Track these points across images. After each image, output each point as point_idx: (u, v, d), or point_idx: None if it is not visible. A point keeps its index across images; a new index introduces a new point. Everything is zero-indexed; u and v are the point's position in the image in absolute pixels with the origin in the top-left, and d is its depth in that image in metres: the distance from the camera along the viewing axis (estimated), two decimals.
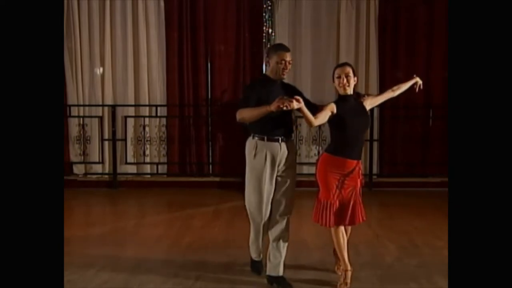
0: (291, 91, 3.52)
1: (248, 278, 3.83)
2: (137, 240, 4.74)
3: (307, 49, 7.20)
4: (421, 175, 7.29)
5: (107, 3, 7.11)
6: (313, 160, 7.25)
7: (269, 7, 6.72)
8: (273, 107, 3.26)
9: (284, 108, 3.20)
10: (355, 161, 3.55)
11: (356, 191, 3.60)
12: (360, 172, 3.61)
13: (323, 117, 3.48)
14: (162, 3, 7.18)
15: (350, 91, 3.56)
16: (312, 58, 7.20)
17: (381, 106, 7.17)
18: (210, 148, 7.37)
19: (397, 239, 4.74)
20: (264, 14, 6.74)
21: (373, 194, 6.96)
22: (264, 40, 6.76)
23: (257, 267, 3.91)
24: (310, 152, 7.33)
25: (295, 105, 3.20)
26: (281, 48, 3.59)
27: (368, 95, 3.94)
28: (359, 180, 3.60)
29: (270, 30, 6.76)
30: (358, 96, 3.69)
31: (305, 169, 7.33)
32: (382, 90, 7.20)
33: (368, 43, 7.18)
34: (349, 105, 3.56)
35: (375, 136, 7.20)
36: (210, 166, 7.45)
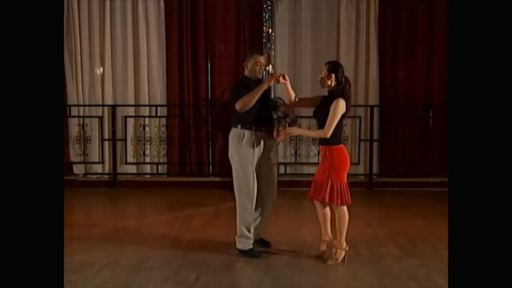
0: (267, 88, 4.14)
1: (248, 278, 3.84)
2: (137, 240, 4.74)
3: (307, 49, 7.21)
4: (421, 175, 7.29)
5: (107, 3, 7.11)
6: (313, 160, 7.26)
7: (269, 7, 6.72)
8: (267, 82, 4.02)
9: (277, 82, 4.03)
10: (321, 146, 4.02)
11: (329, 174, 3.92)
12: (328, 157, 3.92)
13: (307, 99, 4.29)
14: (162, 3, 7.18)
15: (325, 85, 3.99)
16: (312, 58, 7.19)
17: (381, 106, 7.24)
18: (210, 148, 7.37)
19: (397, 239, 4.74)
20: (264, 14, 6.73)
21: (373, 194, 6.96)
22: (264, 40, 6.76)
23: (256, 252, 4.18)
24: (310, 152, 7.32)
25: (281, 79, 4.02)
26: (256, 52, 4.28)
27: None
28: (328, 164, 3.94)
29: (270, 30, 6.75)
30: (332, 94, 3.97)
31: (305, 169, 7.33)
32: (382, 90, 7.26)
33: (368, 43, 7.18)
34: (324, 98, 4.03)
35: (375, 136, 7.20)
36: (210, 166, 7.45)
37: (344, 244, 4.01)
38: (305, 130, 4.17)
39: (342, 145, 3.98)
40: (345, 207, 3.97)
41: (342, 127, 4.03)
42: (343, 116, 3.89)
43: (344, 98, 3.86)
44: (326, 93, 4.09)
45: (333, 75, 3.91)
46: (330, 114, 3.81)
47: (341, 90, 3.91)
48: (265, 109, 4.12)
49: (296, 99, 4.16)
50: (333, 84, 3.93)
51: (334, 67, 3.98)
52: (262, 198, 4.23)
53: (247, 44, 7.17)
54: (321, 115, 3.94)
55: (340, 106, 3.82)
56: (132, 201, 6.63)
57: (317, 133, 4.03)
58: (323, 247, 4.18)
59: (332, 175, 3.91)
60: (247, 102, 3.97)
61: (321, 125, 3.90)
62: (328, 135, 3.83)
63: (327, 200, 3.94)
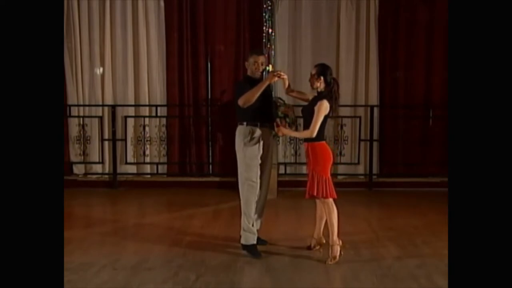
0: (267, 86, 4.26)
1: (248, 278, 3.84)
2: (137, 240, 4.74)
3: (307, 49, 7.20)
4: (421, 175, 7.28)
5: (107, 3, 7.11)
6: None
7: (269, 7, 6.71)
8: (268, 79, 4.16)
9: (277, 78, 4.18)
10: (305, 143, 4.16)
11: (313, 169, 4.07)
12: (311, 153, 4.08)
13: (304, 93, 4.40)
14: (162, 3, 7.18)
15: (313, 86, 4.11)
16: (312, 58, 7.17)
17: (381, 106, 7.24)
18: (210, 148, 7.37)
19: (397, 239, 4.74)
20: (264, 14, 6.73)
21: (373, 194, 6.96)
22: (264, 40, 6.75)
23: (257, 250, 4.21)
24: None
25: (281, 74, 4.22)
26: (255, 52, 4.39)
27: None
28: (311, 160, 4.10)
29: (270, 30, 6.75)
30: (319, 95, 4.10)
31: (305, 169, 7.31)
32: (382, 89, 7.26)
33: (368, 43, 7.18)
34: (313, 98, 4.15)
35: (375, 136, 7.20)
36: (210, 166, 7.45)
37: (337, 239, 4.10)
38: (293, 132, 4.48)
39: (324, 141, 4.13)
40: (331, 201, 4.09)
41: (325, 126, 4.14)
42: (327, 116, 4.05)
43: (330, 99, 4.03)
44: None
45: (321, 78, 4.06)
46: (314, 115, 3.97)
47: (329, 92, 4.06)
48: (269, 106, 4.33)
49: (290, 88, 4.37)
50: (321, 86, 4.08)
51: (323, 69, 4.11)
52: (258, 194, 4.32)
53: (247, 44, 7.17)
54: (306, 114, 4.10)
55: (323, 108, 3.98)
56: (132, 201, 6.63)
57: (303, 134, 4.20)
58: (312, 242, 4.38)
59: (316, 169, 4.06)
60: (249, 98, 4.09)
61: (306, 123, 4.08)
62: (314, 135, 4.00)
63: (314, 193, 4.05)
